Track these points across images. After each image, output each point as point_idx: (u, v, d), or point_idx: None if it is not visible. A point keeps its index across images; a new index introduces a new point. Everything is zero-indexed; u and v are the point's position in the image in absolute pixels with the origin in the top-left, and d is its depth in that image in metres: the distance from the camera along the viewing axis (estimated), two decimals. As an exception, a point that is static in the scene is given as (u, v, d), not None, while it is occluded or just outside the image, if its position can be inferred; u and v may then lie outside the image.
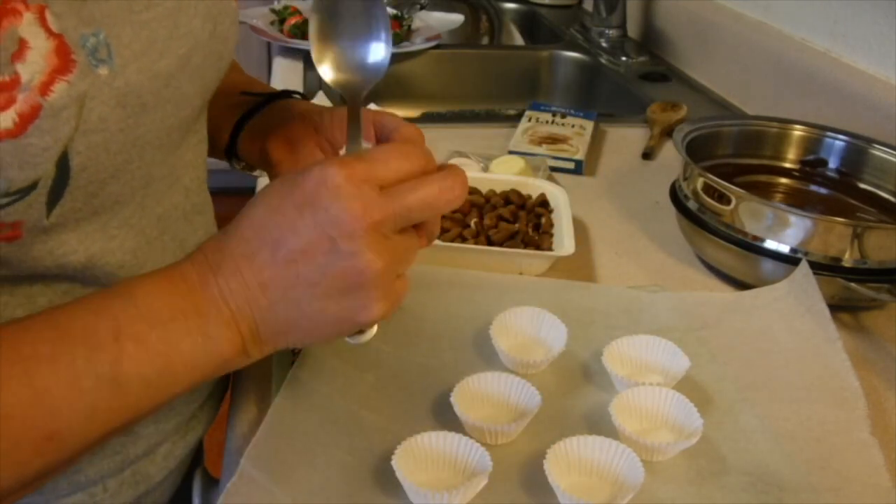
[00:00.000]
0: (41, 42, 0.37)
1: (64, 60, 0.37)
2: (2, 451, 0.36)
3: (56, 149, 0.38)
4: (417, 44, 1.42)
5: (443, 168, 0.46)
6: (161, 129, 0.45)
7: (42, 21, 0.36)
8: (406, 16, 1.46)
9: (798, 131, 0.88)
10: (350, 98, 0.49)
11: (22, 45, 0.36)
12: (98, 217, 0.44)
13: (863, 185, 0.83)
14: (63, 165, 0.39)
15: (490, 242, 0.75)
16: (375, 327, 0.49)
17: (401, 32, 1.41)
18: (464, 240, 0.76)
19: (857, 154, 0.84)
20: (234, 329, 0.44)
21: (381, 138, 0.55)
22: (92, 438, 0.41)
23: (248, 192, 0.91)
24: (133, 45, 0.41)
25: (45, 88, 0.37)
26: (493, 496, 0.49)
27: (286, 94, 0.67)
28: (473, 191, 0.83)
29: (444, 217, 0.78)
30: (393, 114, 0.58)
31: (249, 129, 0.64)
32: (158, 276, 0.43)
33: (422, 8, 1.56)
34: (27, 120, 0.37)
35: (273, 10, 1.47)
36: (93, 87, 0.39)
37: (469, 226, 0.78)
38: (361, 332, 0.49)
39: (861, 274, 0.68)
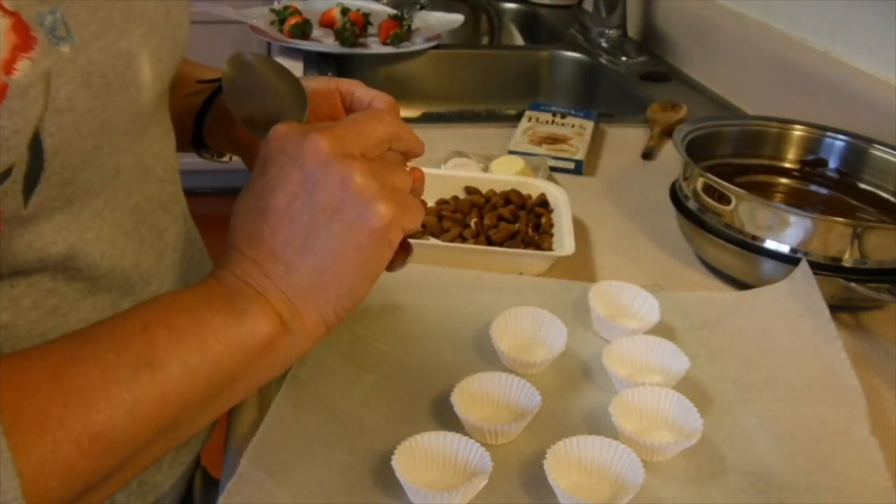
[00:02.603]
0: None
1: (23, 37, 0.36)
2: (44, 454, 0.35)
3: (27, 130, 0.37)
4: (417, 44, 1.42)
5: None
6: (126, 114, 0.44)
7: None
8: (406, 16, 1.46)
9: (798, 131, 0.88)
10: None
11: None
12: (71, 207, 0.43)
13: (863, 185, 0.83)
14: (36, 148, 0.38)
15: (490, 242, 0.75)
16: (413, 251, 0.48)
17: (401, 32, 1.41)
18: (464, 240, 0.76)
19: (857, 154, 0.85)
20: (265, 303, 0.43)
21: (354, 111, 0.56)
22: (142, 436, 0.39)
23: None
24: (90, 25, 0.40)
25: (8, 67, 0.36)
26: (493, 496, 0.49)
27: None
28: (473, 191, 0.83)
29: (443, 217, 0.79)
30: (362, 84, 0.58)
31: (213, 116, 0.64)
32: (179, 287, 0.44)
33: (422, 8, 1.56)
34: None
35: (273, 10, 1.47)
36: (56, 64, 0.38)
37: (469, 226, 0.78)
38: (403, 257, 0.48)
39: (861, 274, 0.68)
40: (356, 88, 0.58)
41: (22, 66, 0.36)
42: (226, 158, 0.68)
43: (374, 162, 0.45)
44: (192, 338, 0.40)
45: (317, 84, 0.59)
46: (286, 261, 0.43)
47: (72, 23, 0.39)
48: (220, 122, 0.63)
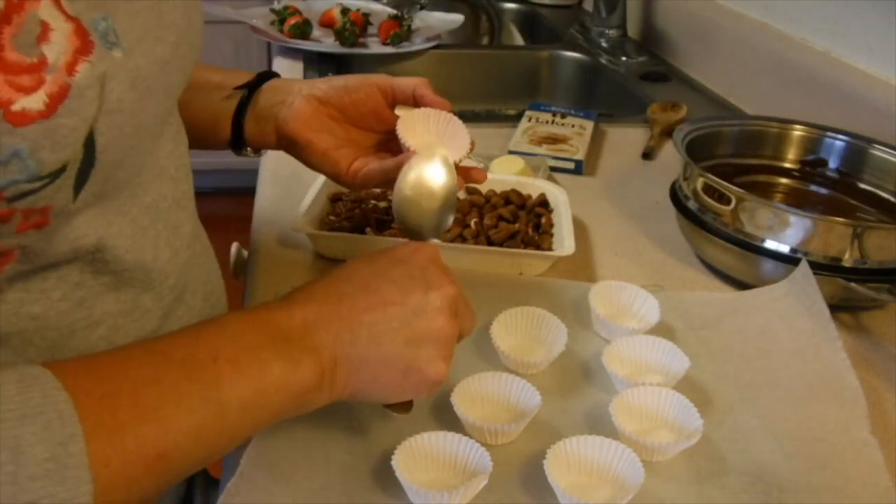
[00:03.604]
0: (61, 24, 0.38)
1: (84, 41, 0.39)
2: (114, 468, 0.37)
3: (83, 129, 0.39)
4: (417, 44, 1.42)
5: None
6: (157, 116, 0.47)
7: (58, 5, 0.38)
8: (406, 16, 1.46)
9: (798, 131, 0.88)
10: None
11: (44, 27, 0.37)
12: (101, 202, 0.45)
13: (863, 185, 0.83)
14: (90, 146, 0.40)
15: (490, 242, 0.75)
16: (412, 406, 0.53)
17: (401, 32, 1.41)
18: (464, 240, 0.76)
19: (857, 154, 0.85)
20: (317, 358, 0.46)
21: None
22: (197, 460, 0.42)
23: (248, 192, 0.91)
24: (132, 32, 0.42)
25: (70, 69, 0.38)
26: (493, 496, 0.49)
27: (265, 76, 0.70)
28: (473, 191, 0.83)
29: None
30: (394, 78, 0.66)
31: (253, 117, 0.67)
32: (244, 311, 0.47)
33: (422, 8, 1.56)
34: (57, 100, 0.37)
35: (273, 10, 1.47)
36: (110, 67, 0.40)
37: (469, 226, 0.78)
38: (404, 409, 0.53)
39: (861, 274, 0.68)
40: (393, 82, 0.65)
41: (82, 69, 0.38)
42: (261, 153, 0.73)
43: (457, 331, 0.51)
44: (253, 378, 0.43)
45: (355, 81, 0.65)
46: (356, 337, 0.47)
47: (118, 29, 0.41)
48: (263, 120, 0.67)
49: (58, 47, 0.37)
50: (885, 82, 0.95)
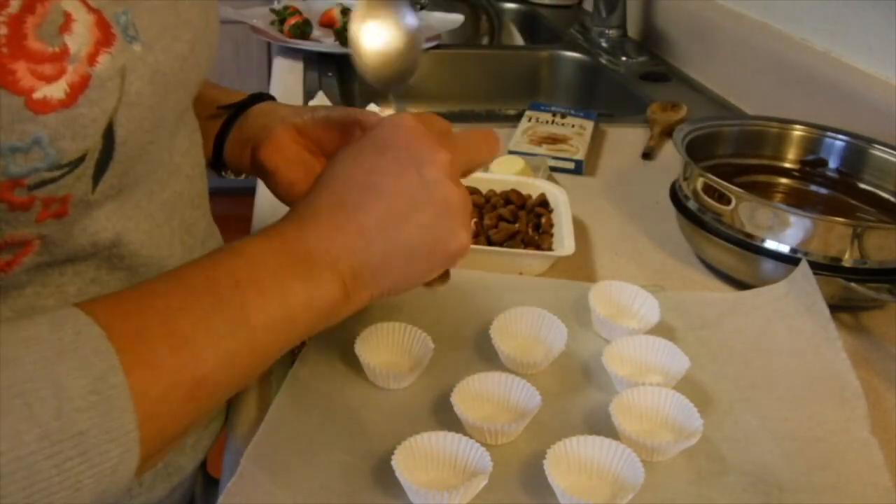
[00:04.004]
0: (83, 15, 0.38)
1: (105, 33, 0.39)
2: (154, 396, 0.38)
3: (103, 120, 0.40)
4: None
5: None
6: (174, 113, 0.48)
7: None
8: (406, 16, 1.46)
9: (798, 131, 0.88)
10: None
11: (67, 17, 0.38)
12: (120, 196, 0.46)
13: (863, 185, 0.83)
14: (109, 137, 0.41)
15: (490, 242, 0.75)
16: (452, 273, 0.53)
17: (401, 32, 1.41)
18: (464, 240, 0.76)
19: (857, 154, 0.84)
20: (336, 272, 0.46)
21: None
22: (234, 384, 0.43)
23: (248, 192, 0.91)
24: (151, 28, 0.42)
25: (91, 59, 0.39)
26: (493, 496, 0.49)
27: (257, 98, 0.69)
28: (473, 191, 0.83)
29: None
30: (378, 114, 0.62)
31: (234, 140, 0.67)
32: (258, 236, 0.46)
33: (422, 8, 1.56)
34: (77, 90, 0.38)
35: (273, 10, 1.47)
36: (130, 60, 0.41)
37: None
38: (442, 280, 0.53)
39: (861, 274, 0.68)
40: (377, 122, 0.60)
41: (103, 60, 0.39)
42: (243, 176, 0.71)
43: (467, 190, 0.50)
44: (276, 299, 0.44)
45: (338, 115, 0.64)
46: (368, 238, 0.47)
47: (138, 23, 0.41)
48: (242, 144, 0.66)
49: (80, 38, 0.38)
50: (885, 82, 0.95)
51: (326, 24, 1.45)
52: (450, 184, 0.48)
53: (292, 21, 1.39)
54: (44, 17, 0.37)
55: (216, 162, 0.68)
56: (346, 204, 0.48)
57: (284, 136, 0.64)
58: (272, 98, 0.70)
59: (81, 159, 0.40)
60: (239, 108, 0.68)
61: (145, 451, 0.37)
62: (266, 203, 0.87)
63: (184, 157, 0.54)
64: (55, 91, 0.37)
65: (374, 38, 0.55)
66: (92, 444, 0.35)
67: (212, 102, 0.68)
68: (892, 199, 0.81)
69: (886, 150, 0.82)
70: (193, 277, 0.43)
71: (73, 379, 0.35)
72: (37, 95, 0.37)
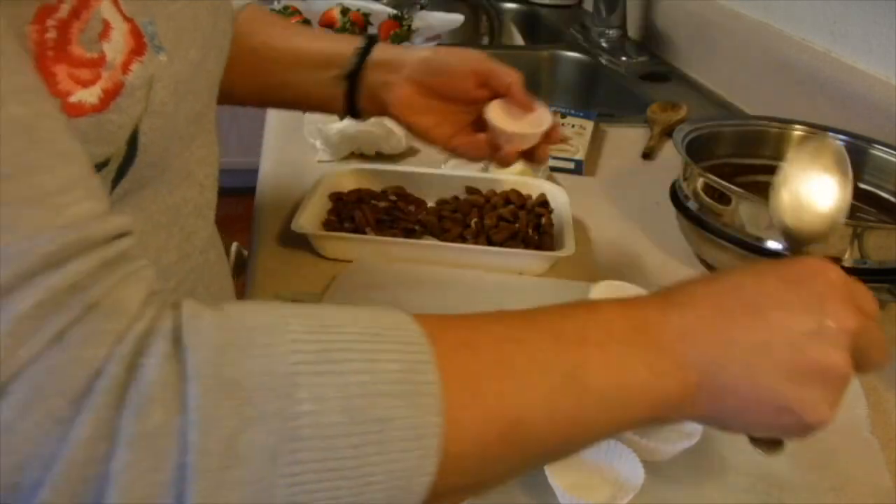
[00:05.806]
0: (119, 24, 0.39)
1: (138, 42, 0.40)
2: (474, 417, 0.34)
3: (129, 127, 0.40)
4: (417, 44, 1.42)
5: None
6: (188, 119, 0.48)
7: (116, 5, 0.39)
8: (406, 16, 1.46)
9: (798, 131, 0.88)
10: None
11: (106, 25, 0.38)
12: (126, 194, 0.46)
13: (863, 185, 0.83)
14: (132, 144, 0.41)
15: (490, 242, 0.75)
16: (786, 446, 0.46)
17: (401, 32, 1.41)
18: (464, 240, 0.76)
19: (857, 154, 0.84)
20: (682, 373, 0.40)
21: None
22: (543, 445, 0.38)
23: (248, 192, 0.91)
24: (170, 35, 0.43)
25: (125, 68, 0.39)
26: (493, 496, 0.49)
27: (369, 42, 0.72)
28: (474, 191, 0.83)
29: (444, 217, 0.79)
30: (492, 61, 0.75)
31: (364, 96, 0.71)
32: (617, 303, 0.42)
33: (422, 8, 1.56)
34: (110, 96, 0.39)
35: (273, 11, 1.47)
36: (157, 70, 0.41)
37: (469, 226, 0.78)
38: (770, 448, 0.46)
39: (861, 274, 0.68)
40: (490, 71, 0.72)
41: (135, 69, 0.40)
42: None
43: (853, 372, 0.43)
44: (616, 372, 0.39)
45: (455, 66, 0.70)
46: (731, 357, 0.40)
47: (159, 33, 0.42)
48: (368, 101, 0.71)
49: (116, 45, 0.39)
50: (885, 82, 0.95)
51: (326, 24, 1.45)
52: (843, 353, 0.41)
53: (292, 21, 1.39)
54: (87, 24, 0.38)
55: (352, 112, 0.72)
56: (724, 311, 0.41)
57: (408, 93, 0.69)
58: (376, 40, 0.73)
59: (105, 164, 0.40)
60: (359, 66, 0.71)
61: (442, 474, 0.33)
62: (266, 203, 0.87)
63: (198, 166, 0.54)
64: (89, 96, 0.38)
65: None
66: (393, 437, 0.31)
67: (320, 61, 0.71)
68: (892, 199, 0.81)
69: (886, 150, 0.82)
70: (538, 315, 0.40)
71: (387, 362, 0.33)
72: (73, 99, 0.37)
